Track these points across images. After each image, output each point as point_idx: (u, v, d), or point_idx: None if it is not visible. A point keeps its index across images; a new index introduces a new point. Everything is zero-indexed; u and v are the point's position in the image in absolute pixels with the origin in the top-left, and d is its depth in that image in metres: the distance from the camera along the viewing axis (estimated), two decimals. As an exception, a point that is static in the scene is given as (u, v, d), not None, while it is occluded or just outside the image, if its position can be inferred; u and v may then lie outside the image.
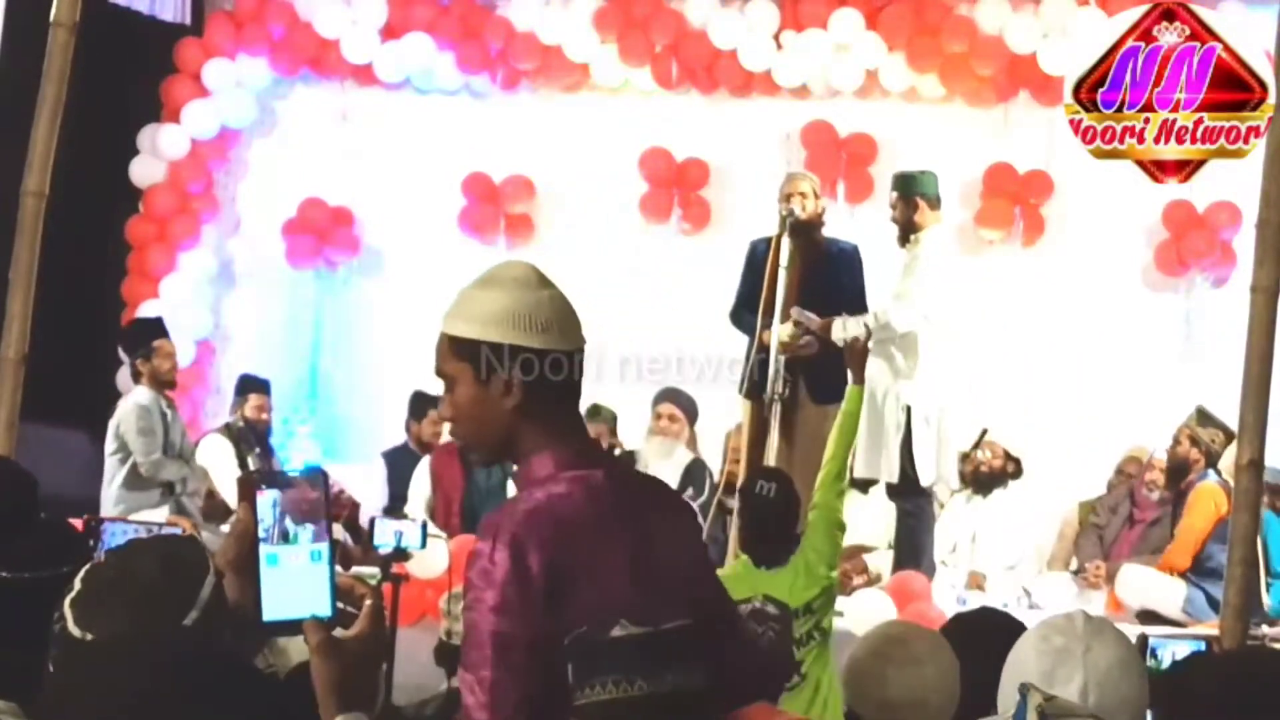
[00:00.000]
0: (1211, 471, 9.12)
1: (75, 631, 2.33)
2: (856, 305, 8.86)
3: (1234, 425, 8.87)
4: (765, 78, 11.46)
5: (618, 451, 9.79)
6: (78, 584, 2.40)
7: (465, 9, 11.84)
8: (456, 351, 2.92)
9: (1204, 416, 9.27)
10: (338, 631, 2.25)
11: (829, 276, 8.80)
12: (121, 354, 10.76)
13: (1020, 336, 11.09)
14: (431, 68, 11.88)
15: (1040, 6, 10.92)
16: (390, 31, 11.82)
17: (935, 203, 8.97)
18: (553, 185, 11.89)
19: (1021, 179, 11.13)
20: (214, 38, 11.97)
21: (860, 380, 6.61)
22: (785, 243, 8.62)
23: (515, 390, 2.88)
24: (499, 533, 2.77)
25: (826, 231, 9.00)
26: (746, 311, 8.84)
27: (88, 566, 2.42)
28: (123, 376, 11.18)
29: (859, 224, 10.70)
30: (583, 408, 3.03)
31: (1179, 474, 9.29)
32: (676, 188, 11.64)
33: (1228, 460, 9.18)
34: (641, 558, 2.85)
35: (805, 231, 8.75)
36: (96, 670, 1.74)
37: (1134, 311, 11.03)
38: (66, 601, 2.38)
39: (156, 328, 9.81)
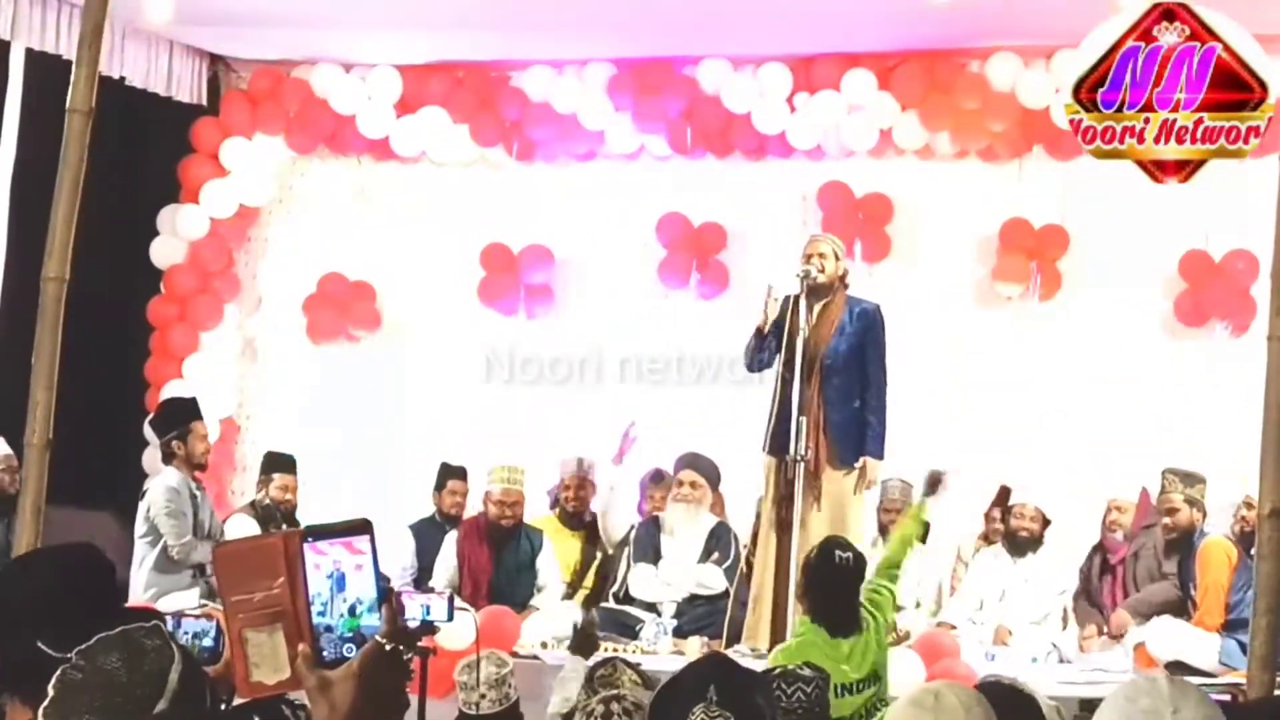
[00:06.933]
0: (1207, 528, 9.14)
1: None
2: (878, 366, 8.89)
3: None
4: (780, 140, 11.47)
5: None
6: (50, 689, 2.41)
7: (479, 81, 11.91)
8: None
9: (1184, 476, 9.17)
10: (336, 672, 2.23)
11: (851, 337, 8.85)
12: (149, 434, 10.76)
13: (1040, 392, 11.05)
14: (447, 140, 11.93)
15: (1051, 62, 10.92)
16: (405, 106, 11.90)
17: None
18: (571, 254, 11.92)
19: (1037, 233, 11.10)
20: (230, 117, 12.06)
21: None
22: (803, 303, 8.70)
23: None
24: None
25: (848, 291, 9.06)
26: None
27: (60, 670, 2.45)
28: (149, 457, 11.20)
29: (877, 282, 10.70)
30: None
31: (1186, 538, 9.17)
32: (694, 252, 11.65)
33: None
34: None
35: (823, 293, 8.81)
36: None
37: (1154, 363, 10.98)
38: (40, 711, 2.39)
39: (192, 409, 9.67)
